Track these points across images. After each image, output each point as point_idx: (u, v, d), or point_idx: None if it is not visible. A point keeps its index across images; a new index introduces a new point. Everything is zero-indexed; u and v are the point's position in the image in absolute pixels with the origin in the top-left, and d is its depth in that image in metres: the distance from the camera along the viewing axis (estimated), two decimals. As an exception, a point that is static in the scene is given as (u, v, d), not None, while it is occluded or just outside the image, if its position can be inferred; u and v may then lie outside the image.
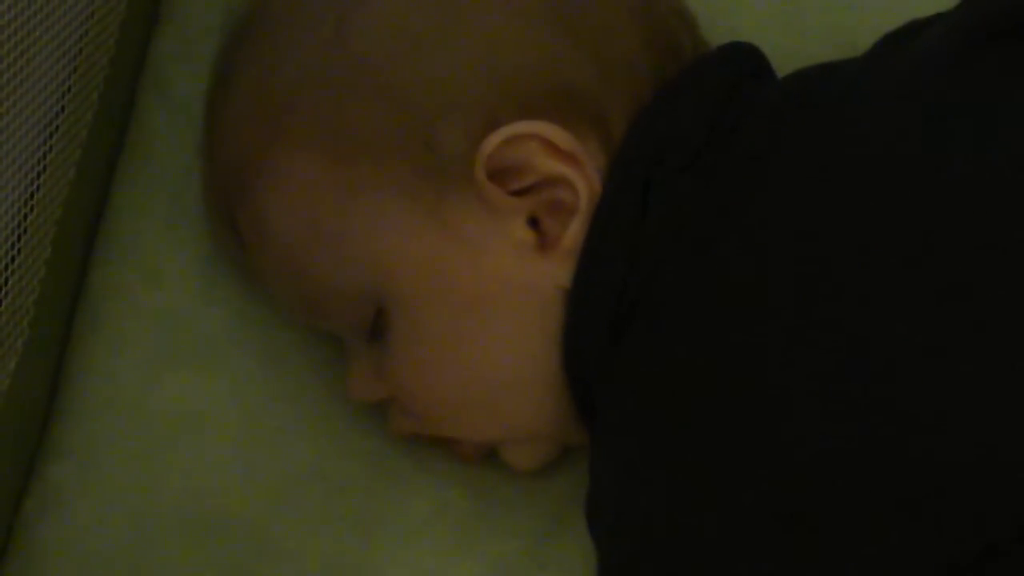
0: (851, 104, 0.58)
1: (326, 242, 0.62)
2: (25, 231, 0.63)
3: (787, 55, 0.65)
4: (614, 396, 0.58)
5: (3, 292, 0.62)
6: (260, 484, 0.68)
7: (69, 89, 0.66)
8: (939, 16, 0.61)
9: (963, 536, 0.50)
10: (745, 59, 0.64)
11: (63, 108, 0.66)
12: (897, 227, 0.54)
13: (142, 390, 0.69)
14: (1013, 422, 0.50)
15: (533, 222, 0.60)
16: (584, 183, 0.59)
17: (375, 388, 0.65)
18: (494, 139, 0.59)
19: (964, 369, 0.51)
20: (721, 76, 0.61)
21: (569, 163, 0.59)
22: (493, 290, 0.60)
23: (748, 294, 0.55)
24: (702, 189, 0.58)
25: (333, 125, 0.61)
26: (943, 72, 0.57)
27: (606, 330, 0.59)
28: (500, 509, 0.67)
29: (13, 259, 0.62)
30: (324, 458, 0.69)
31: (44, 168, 0.65)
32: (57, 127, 0.66)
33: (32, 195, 0.64)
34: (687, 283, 0.57)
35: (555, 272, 0.60)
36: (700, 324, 0.56)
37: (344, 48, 0.61)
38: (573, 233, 0.59)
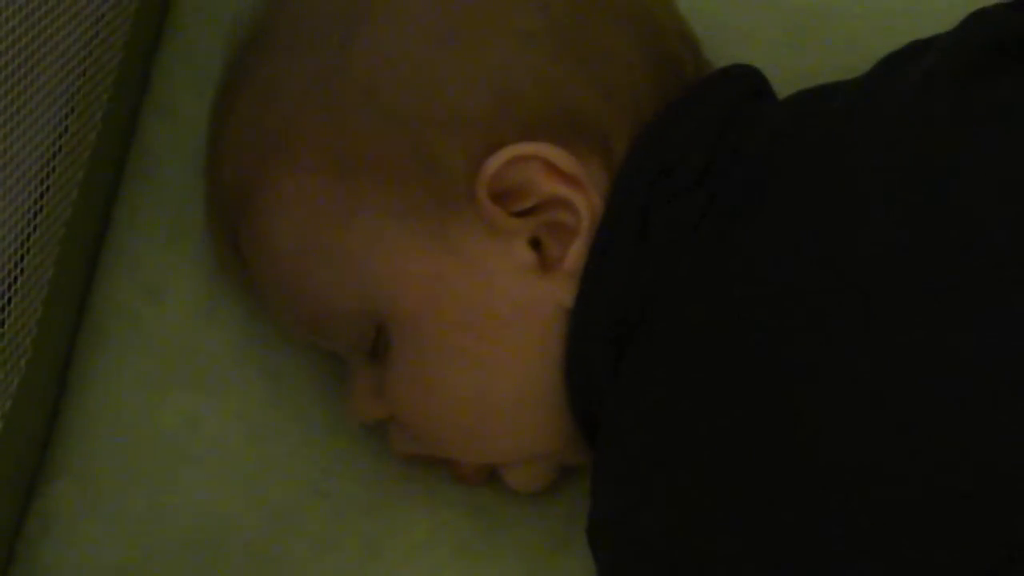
0: (852, 126, 0.58)
1: (327, 260, 0.62)
2: (28, 250, 0.63)
3: (791, 76, 0.65)
4: (616, 416, 0.58)
5: (6, 312, 0.62)
6: (262, 503, 0.68)
7: (72, 109, 0.66)
8: (938, 38, 0.61)
9: (970, 554, 0.50)
10: (746, 81, 0.64)
11: (67, 128, 0.66)
12: (897, 249, 0.54)
13: (145, 409, 0.69)
14: (1015, 438, 0.50)
15: (535, 243, 0.60)
16: (586, 204, 0.59)
17: (376, 408, 0.65)
18: (496, 160, 0.59)
19: (968, 389, 0.51)
20: (722, 98, 0.62)
21: (571, 185, 0.59)
22: (495, 311, 0.60)
23: (748, 315, 0.55)
24: (703, 211, 0.58)
25: (335, 144, 0.61)
26: (944, 93, 0.57)
27: (608, 350, 0.59)
28: (501, 529, 0.67)
29: (16, 279, 0.62)
30: (325, 477, 0.69)
31: (47, 188, 0.65)
32: (60, 147, 0.66)
33: (35, 214, 0.64)
34: (688, 304, 0.57)
35: (557, 293, 0.60)
36: (701, 344, 0.56)
37: (347, 68, 0.61)
38: (575, 254, 0.59)
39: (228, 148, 0.65)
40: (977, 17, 0.59)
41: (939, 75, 0.58)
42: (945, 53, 0.59)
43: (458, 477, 0.67)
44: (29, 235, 0.63)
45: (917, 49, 0.61)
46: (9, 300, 0.62)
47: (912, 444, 0.51)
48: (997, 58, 0.57)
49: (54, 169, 0.65)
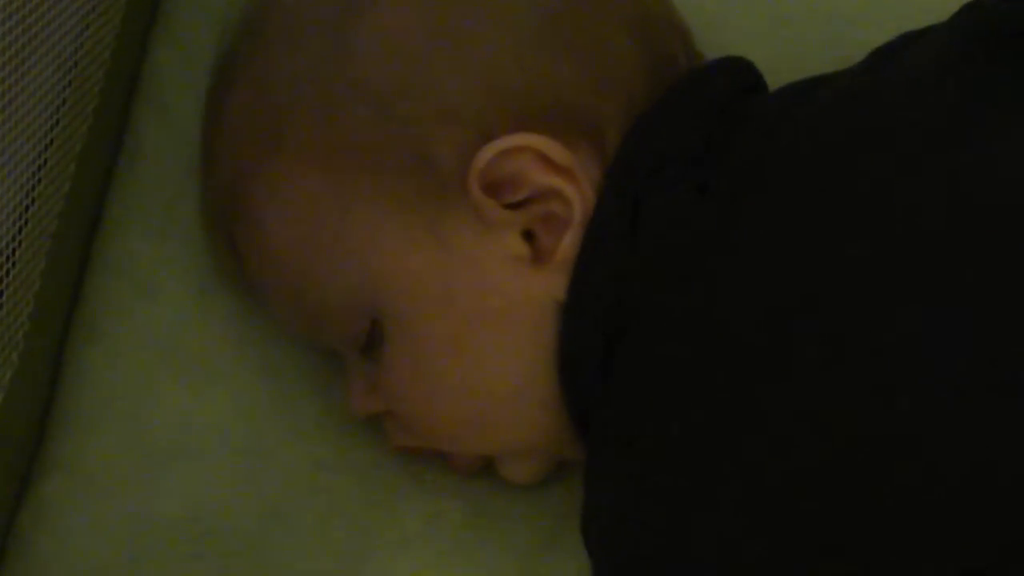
0: (843, 119, 0.58)
1: (322, 255, 0.62)
2: (20, 244, 0.63)
3: (780, 68, 0.65)
4: (609, 410, 0.58)
5: (-2, 305, 0.62)
6: (255, 497, 0.68)
7: (64, 102, 0.66)
8: (931, 28, 0.61)
9: (959, 554, 0.50)
10: (739, 73, 0.64)
11: (58, 121, 0.66)
12: (894, 247, 0.53)
13: (137, 403, 0.69)
14: (1006, 444, 0.50)
15: (528, 235, 0.60)
16: (578, 196, 0.59)
17: (372, 402, 0.65)
18: (488, 152, 0.59)
19: (964, 391, 0.51)
20: (714, 91, 0.62)
21: (563, 176, 0.59)
22: (488, 303, 0.60)
23: (742, 310, 0.55)
24: (694, 203, 0.58)
25: (330, 139, 0.61)
26: (937, 86, 0.57)
27: (601, 342, 0.59)
28: (495, 522, 0.67)
29: (8, 272, 0.62)
30: (319, 471, 0.68)
31: (39, 181, 0.65)
32: (52, 140, 0.66)
33: (27, 208, 0.64)
34: (680, 297, 0.57)
35: (550, 285, 0.60)
36: (694, 339, 0.56)
37: (341, 62, 0.61)
38: (567, 246, 0.59)
39: (222, 142, 0.65)
40: (970, 9, 0.59)
41: (932, 68, 0.58)
42: (938, 45, 0.59)
43: (454, 468, 0.67)
44: (21, 228, 0.63)
45: (909, 41, 0.61)
46: (1, 293, 0.62)
47: (906, 445, 0.51)
48: (990, 50, 0.57)
49: (46, 162, 0.65)
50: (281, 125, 0.62)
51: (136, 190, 0.73)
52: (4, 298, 0.62)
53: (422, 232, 0.60)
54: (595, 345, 0.59)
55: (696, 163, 0.59)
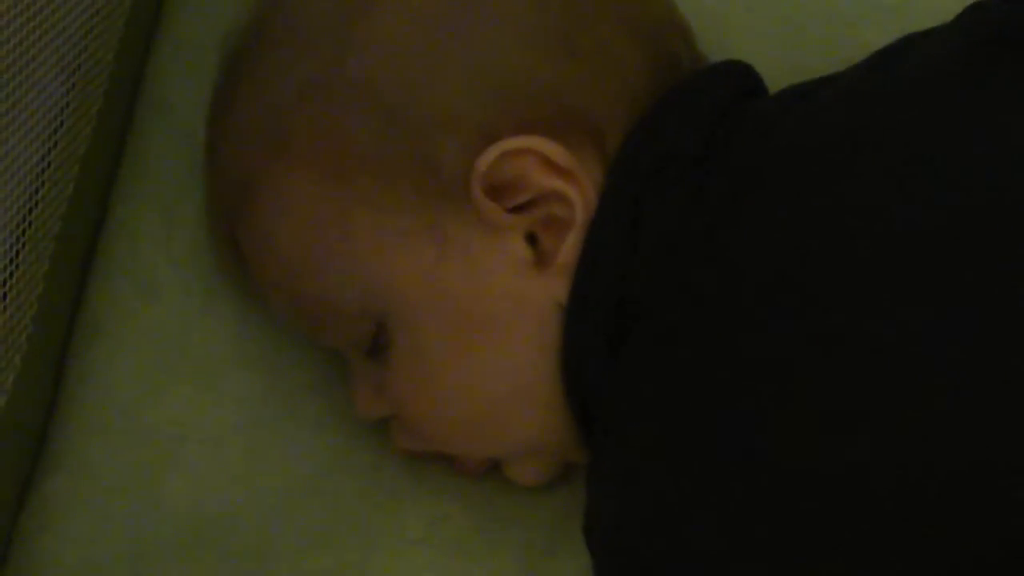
0: (845, 118, 0.58)
1: (326, 259, 0.62)
2: (24, 246, 0.63)
3: (780, 68, 0.65)
4: (612, 410, 0.58)
5: (2, 307, 0.62)
6: (257, 498, 0.68)
7: (68, 105, 0.66)
8: (935, 30, 0.61)
9: (948, 557, 0.51)
10: (740, 77, 0.64)
11: (62, 123, 0.66)
12: (886, 246, 0.53)
13: (140, 404, 0.69)
14: (1002, 440, 0.50)
15: (531, 238, 0.60)
16: (580, 198, 0.59)
17: (377, 406, 0.65)
18: (489, 155, 0.59)
19: (954, 392, 0.51)
20: (715, 93, 0.62)
21: (565, 178, 0.59)
22: (492, 307, 0.60)
23: (742, 309, 0.55)
24: (694, 204, 0.58)
25: (333, 143, 0.61)
26: (941, 88, 0.57)
27: (603, 344, 0.59)
28: (498, 524, 0.67)
29: (12, 274, 0.62)
30: (323, 472, 0.69)
31: (43, 183, 0.65)
32: (56, 143, 0.66)
33: (31, 210, 0.64)
34: (681, 297, 0.57)
35: (552, 288, 0.60)
36: (696, 338, 0.56)
37: (344, 66, 0.61)
38: (569, 248, 0.59)
39: (227, 147, 0.65)
40: (974, 10, 0.59)
41: (935, 69, 0.58)
42: (941, 47, 0.59)
43: (459, 471, 0.67)
44: (24, 230, 0.63)
45: (912, 42, 0.61)
46: (4, 296, 0.62)
47: (906, 444, 0.51)
48: (993, 52, 0.57)
49: (49, 164, 0.65)
50: (285, 128, 0.62)
51: (139, 192, 0.73)
52: (8, 300, 0.62)
53: (425, 235, 0.60)
54: (597, 347, 0.59)
55: (697, 164, 0.59)
